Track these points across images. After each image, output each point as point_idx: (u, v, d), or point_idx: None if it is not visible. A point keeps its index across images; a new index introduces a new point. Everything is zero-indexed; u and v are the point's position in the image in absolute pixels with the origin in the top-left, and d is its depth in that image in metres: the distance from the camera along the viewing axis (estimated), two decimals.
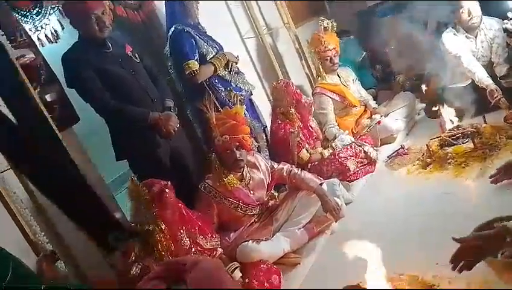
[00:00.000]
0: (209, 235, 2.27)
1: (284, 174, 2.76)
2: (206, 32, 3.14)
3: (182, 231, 2.13)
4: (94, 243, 1.97)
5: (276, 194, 2.83)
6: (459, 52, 3.29)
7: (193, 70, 2.90)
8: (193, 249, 2.14)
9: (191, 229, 2.18)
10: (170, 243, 2.04)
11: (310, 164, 3.24)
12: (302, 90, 3.81)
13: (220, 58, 3.04)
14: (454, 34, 3.37)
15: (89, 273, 2.21)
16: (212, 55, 3.03)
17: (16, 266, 1.52)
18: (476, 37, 3.33)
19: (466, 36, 3.34)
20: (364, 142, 3.34)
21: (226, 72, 3.09)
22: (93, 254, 2.37)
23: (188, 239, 2.12)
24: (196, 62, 2.92)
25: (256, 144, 3.07)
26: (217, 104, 2.88)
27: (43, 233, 2.13)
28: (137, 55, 2.71)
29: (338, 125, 3.60)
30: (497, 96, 3.07)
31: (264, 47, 4.03)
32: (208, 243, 2.26)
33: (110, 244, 2.03)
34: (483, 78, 3.19)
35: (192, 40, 2.96)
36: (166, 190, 2.08)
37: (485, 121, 3.00)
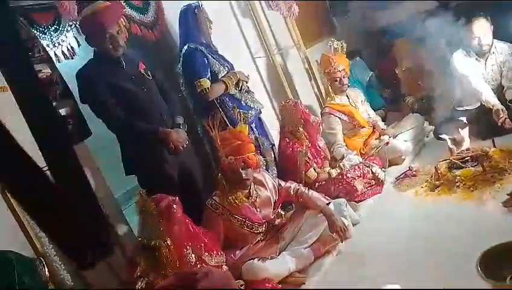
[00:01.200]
0: (215, 252, 2.28)
1: (291, 192, 2.76)
2: (217, 51, 3.20)
3: (188, 247, 2.13)
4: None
5: (282, 213, 2.83)
6: (466, 72, 3.30)
7: (205, 88, 2.96)
8: (198, 266, 2.15)
9: (197, 245, 2.19)
10: (176, 258, 2.05)
11: (317, 183, 3.24)
12: (311, 110, 3.84)
13: (231, 77, 3.10)
14: (464, 54, 3.39)
15: (92, 282, 2.21)
16: (223, 74, 3.09)
17: (20, 274, 1.53)
18: (486, 61, 3.35)
19: (476, 59, 3.36)
20: (372, 163, 3.34)
21: (237, 91, 3.14)
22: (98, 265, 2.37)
23: (193, 255, 2.13)
24: (208, 80, 2.98)
25: (263, 161, 3.09)
26: (227, 122, 2.92)
27: (51, 246, 2.15)
28: (149, 73, 2.76)
29: (346, 145, 3.61)
30: (502, 116, 3.07)
31: (275, 67, 4.08)
32: (213, 260, 2.26)
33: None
34: (489, 98, 3.20)
35: (205, 58, 3.02)
36: (174, 206, 2.09)
37: (494, 145, 2.99)
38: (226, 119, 3.00)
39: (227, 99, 3.10)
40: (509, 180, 2.60)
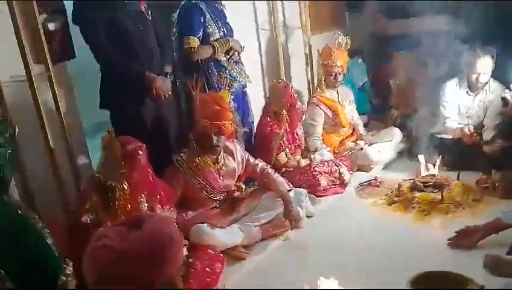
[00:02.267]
0: (167, 207, 2.27)
1: (257, 170, 2.79)
2: (222, 11, 3.10)
3: (143, 196, 2.13)
4: None
5: (243, 187, 2.85)
6: (448, 107, 3.48)
7: (192, 47, 2.87)
8: None
9: (152, 196, 2.19)
10: (128, 203, 2.04)
11: (284, 169, 3.26)
12: (298, 96, 3.83)
13: (222, 43, 2.99)
14: (456, 84, 3.46)
15: (40, 209, 2.19)
16: (217, 37, 2.99)
17: None
18: (476, 96, 3.42)
19: (467, 92, 3.43)
20: (342, 163, 3.39)
21: (225, 59, 3.04)
22: (49, 190, 2.36)
23: (146, 205, 2.13)
24: (197, 39, 2.88)
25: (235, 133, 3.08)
26: (206, 88, 2.87)
27: None
28: (150, 13, 2.68)
29: (323, 140, 3.64)
30: (468, 132, 3.34)
31: (276, 43, 4.02)
32: (164, 214, 2.26)
33: None
34: (457, 129, 3.42)
35: (201, 17, 2.91)
36: (140, 152, 2.07)
37: (458, 178, 3.10)
38: (206, 84, 2.93)
39: (212, 64, 3.00)
40: (462, 214, 2.72)
